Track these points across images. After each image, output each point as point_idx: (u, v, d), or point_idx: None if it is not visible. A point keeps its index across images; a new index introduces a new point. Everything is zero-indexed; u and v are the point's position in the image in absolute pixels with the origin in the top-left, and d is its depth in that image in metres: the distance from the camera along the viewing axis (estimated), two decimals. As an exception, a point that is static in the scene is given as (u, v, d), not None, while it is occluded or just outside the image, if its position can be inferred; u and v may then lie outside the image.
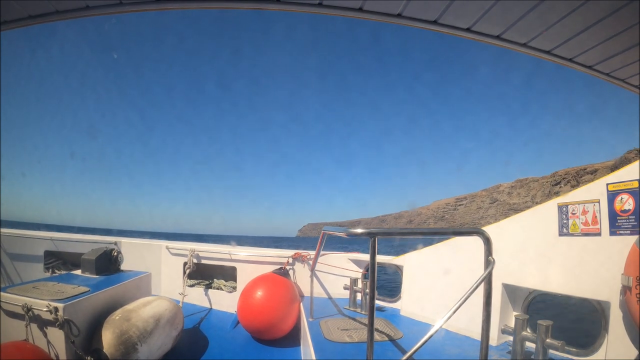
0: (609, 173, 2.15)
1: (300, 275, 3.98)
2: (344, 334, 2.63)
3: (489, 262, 1.48)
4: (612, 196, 2.08)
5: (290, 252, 4.05)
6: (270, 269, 3.89)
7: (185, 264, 4.19)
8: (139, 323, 2.57)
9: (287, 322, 3.37)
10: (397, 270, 3.55)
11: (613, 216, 2.07)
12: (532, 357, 2.18)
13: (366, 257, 3.78)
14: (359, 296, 3.49)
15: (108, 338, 2.39)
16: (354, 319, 3.03)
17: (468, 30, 2.02)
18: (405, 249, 3.53)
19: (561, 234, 2.32)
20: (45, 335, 2.34)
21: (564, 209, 2.31)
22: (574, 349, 2.17)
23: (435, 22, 1.99)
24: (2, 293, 2.46)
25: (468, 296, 1.40)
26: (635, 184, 1.99)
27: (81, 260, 3.27)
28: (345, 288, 3.65)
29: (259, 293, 3.33)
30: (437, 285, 2.99)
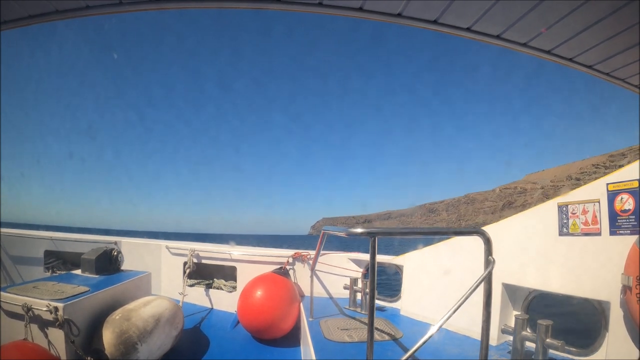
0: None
1: (300, 275, 3.98)
2: (344, 333, 2.63)
3: (489, 262, 1.48)
4: (612, 196, 2.08)
5: (291, 252, 4.05)
6: (270, 268, 3.89)
7: (185, 263, 4.19)
8: (139, 323, 2.57)
9: (287, 321, 3.37)
10: (397, 270, 3.55)
11: (613, 216, 2.07)
12: (532, 357, 2.18)
13: (366, 256, 3.78)
14: (359, 296, 3.49)
15: (108, 338, 2.39)
16: (354, 319, 3.03)
17: (468, 30, 2.02)
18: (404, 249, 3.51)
19: (561, 233, 2.32)
20: (46, 335, 2.34)
21: (564, 208, 2.31)
22: (574, 349, 2.17)
23: (435, 22, 1.99)
24: (2, 293, 2.46)
25: (468, 296, 1.40)
26: (635, 184, 1.98)
27: (81, 260, 3.27)
28: (345, 288, 3.65)
29: (259, 293, 3.33)
30: (437, 285, 2.99)
